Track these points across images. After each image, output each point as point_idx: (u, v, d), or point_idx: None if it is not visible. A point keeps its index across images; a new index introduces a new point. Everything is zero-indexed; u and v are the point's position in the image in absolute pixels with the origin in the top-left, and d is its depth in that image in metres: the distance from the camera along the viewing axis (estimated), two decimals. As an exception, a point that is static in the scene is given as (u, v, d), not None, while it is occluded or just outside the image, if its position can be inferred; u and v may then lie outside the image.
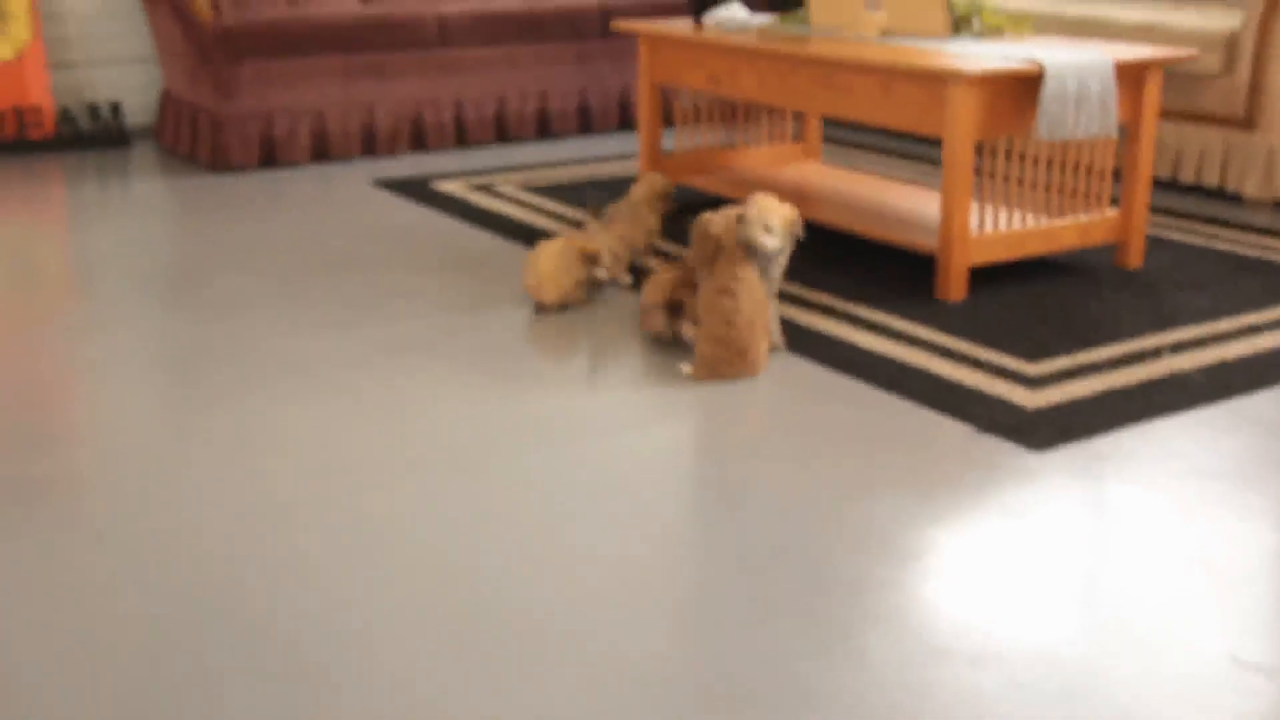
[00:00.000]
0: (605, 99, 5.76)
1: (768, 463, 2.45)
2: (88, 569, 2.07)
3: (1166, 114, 4.58)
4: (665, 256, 3.79)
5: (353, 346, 3.09)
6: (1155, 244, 3.90)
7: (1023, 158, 3.84)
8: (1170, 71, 4.52)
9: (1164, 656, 1.82)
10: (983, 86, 3.24)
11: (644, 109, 4.42)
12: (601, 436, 2.57)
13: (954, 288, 3.36)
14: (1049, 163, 3.71)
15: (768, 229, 2.89)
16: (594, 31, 5.64)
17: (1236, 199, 4.52)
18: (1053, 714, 1.70)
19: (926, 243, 3.47)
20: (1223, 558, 2.10)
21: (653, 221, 3.64)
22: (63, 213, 4.40)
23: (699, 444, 2.54)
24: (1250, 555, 2.11)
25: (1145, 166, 3.59)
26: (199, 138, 5.10)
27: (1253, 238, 3.99)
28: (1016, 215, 3.64)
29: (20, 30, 5.24)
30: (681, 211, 4.30)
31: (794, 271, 3.63)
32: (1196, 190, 4.66)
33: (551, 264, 3.30)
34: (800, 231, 2.96)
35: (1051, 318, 3.23)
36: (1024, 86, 3.31)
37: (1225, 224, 4.15)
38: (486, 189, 4.68)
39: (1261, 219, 4.23)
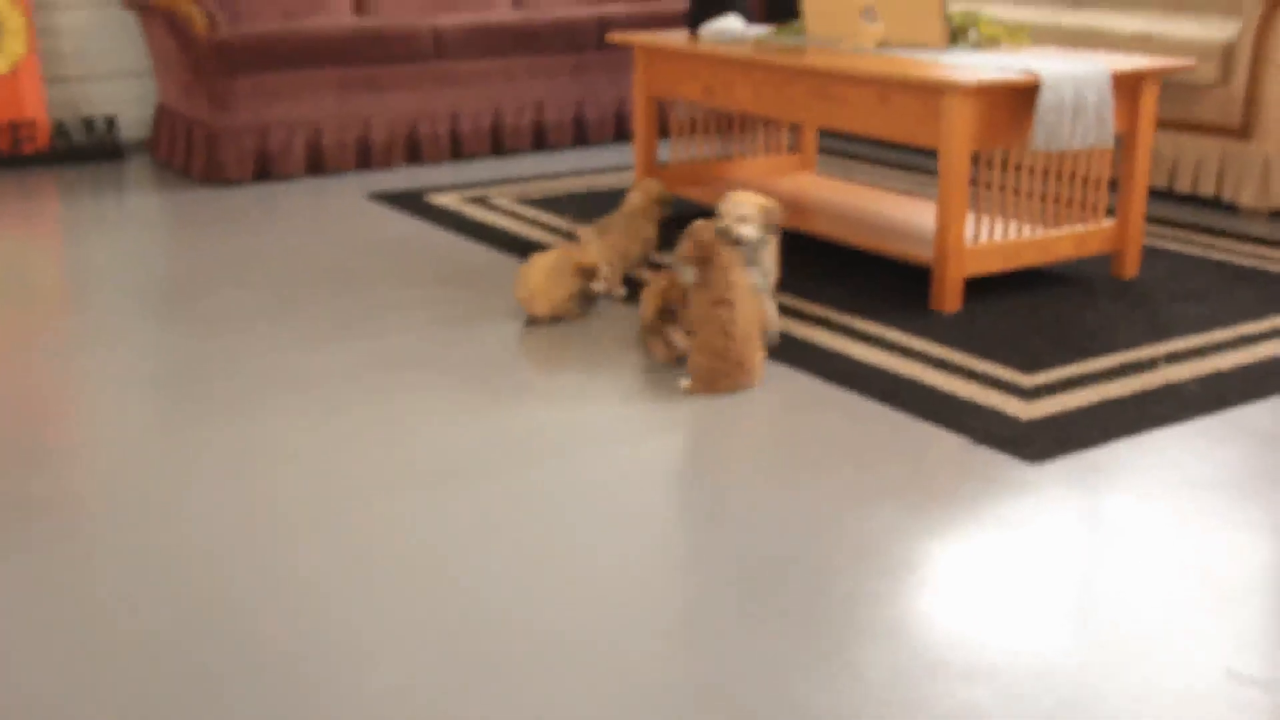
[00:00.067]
0: (601, 111, 5.76)
1: (762, 475, 2.44)
2: (85, 585, 2.05)
3: (1163, 124, 4.57)
4: (658, 268, 3.78)
5: (348, 360, 3.08)
6: (1151, 254, 3.90)
7: (1018, 168, 3.84)
8: (1166, 81, 4.52)
9: (1160, 670, 1.81)
10: (979, 97, 3.23)
11: (640, 121, 4.41)
12: (596, 450, 2.56)
13: (949, 299, 3.35)
14: (1045, 173, 3.71)
15: (743, 219, 2.89)
16: (590, 43, 5.64)
17: (1232, 209, 4.51)
18: (1048, 729, 1.68)
19: (922, 254, 3.46)
20: (1219, 570, 2.08)
21: (649, 231, 3.62)
22: (57, 227, 4.39)
23: (694, 457, 2.53)
24: (1246, 567, 2.09)
25: (1141, 177, 3.59)
26: (194, 151, 5.10)
27: (1248, 247, 3.98)
28: (1012, 226, 3.63)
29: (15, 44, 5.24)
30: (677, 222, 4.29)
31: (789, 283, 3.62)
32: (1192, 200, 4.65)
33: (543, 277, 3.29)
34: (779, 218, 2.95)
35: (1047, 328, 3.22)
36: (1020, 97, 3.31)
37: (1221, 234, 4.15)
38: (481, 201, 4.67)
39: (1257, 228, 4.22)
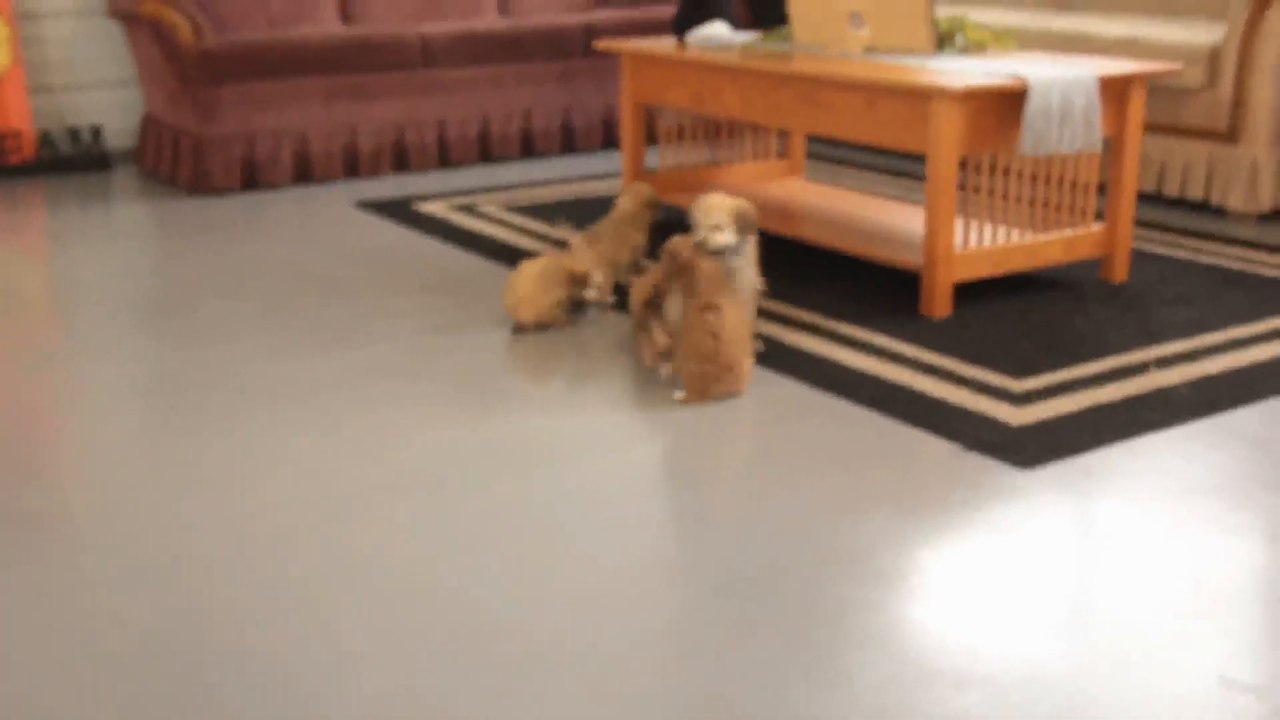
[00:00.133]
0: (589, 118, 5.75)
1: (752, 482, 2.43)
2: (77, 596, 2.04)
3: (1151, 128, 4.57)
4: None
5: (336, 370, 3.06)
6: (1140, 258, 3.89)
7: (1007, 173, 3.84)
8: (1154, 85, 4.52)
9: (1153, 676, 1.80)
10: (966, 102, 3.23)
11: (627, 128, 4.40)
12: (585, 458, 2.54)
13: (939, 304, 3.34)
14: (1033, 178, 3.71)
15: (716, 227, 2.88)
16: (577, 51, 5.64)
17: (1221, 212, 4.51)
18: (1041, 737, 1.67)
19: (911, 259, 3.45)
20: (1211, 575, 2.08)
21: (638, 238, 3.61)
22: (44, 238, 4.36)
23: (683, 464, 2.51)
24: (1238, 573, 2.08)
25: (1130, 181, 3.58)
26: (180, 160, 5.08)
27: (1237, 251, 3.98)
28: (1001, 231, 3.63)
29: (0, 54, 5.22)
30: (667, 227, 4.28)
31: (778, 289, 3.61)
32: (1181, 203, 4.65)
33: (530, 284, 3.28)
34: (753, 220, 2.94)
35: (1037, 333, 3.21)
36: (1008, 102, 3.30)
37: (1210, 237, 4.15)
38: (469, 209, 4.65)
39: (1246, 232, 4.23)
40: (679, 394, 2.83)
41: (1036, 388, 2.86)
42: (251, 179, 5.07)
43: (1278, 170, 4.31)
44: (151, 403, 2.87)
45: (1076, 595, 2.02)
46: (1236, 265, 3.82)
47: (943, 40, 3.77)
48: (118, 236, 4.36)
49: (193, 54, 4.88)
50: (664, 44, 4.28)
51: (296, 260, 4.03)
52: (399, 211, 4.64)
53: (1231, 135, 4.34)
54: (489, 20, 5.59)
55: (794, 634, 1.91)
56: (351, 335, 3.31)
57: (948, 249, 3.32)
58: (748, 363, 2.86)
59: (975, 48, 3.78)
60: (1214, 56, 4.33)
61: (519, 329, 3.31)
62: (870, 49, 3.83)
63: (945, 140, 3.22)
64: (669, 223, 4.40)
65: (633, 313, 3.08)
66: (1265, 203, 4.32)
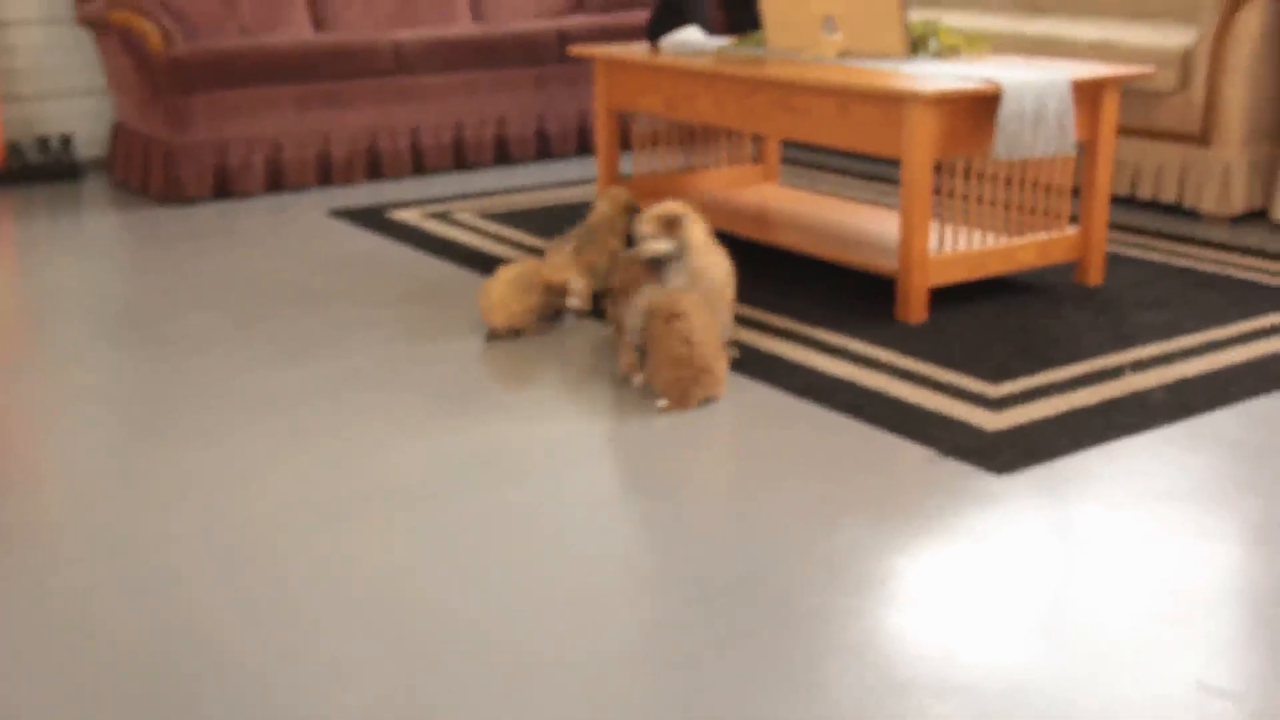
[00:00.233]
0: (563, 124, 5.73)
1: (728, 491, 2.41)
2: (51, 612, 2.00)
3: (1124, 131, 4.59)
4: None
5: (310, 380, 3.03)
6: (1115, 261, 3.90)
7: (981, 177, 3.84)
8: (1127, 89, 4.53)
9: (1130, 683, 1.79)
10: (940, 107, 3.22)
11: (601, 134, 4.39)
12: (561, 468, 2.52)
13: (914, 309, 3.34)
14: (1008, 181, 3.71)
15: (648, 236, 2.89)
16: (551, 57, 5.62)
17: (1194, 214, 4.52)
18: (1019, 746, 1.66)
19: (886, 264, 3.45)
20: (1188, 580, 2.07)
21: (616, 243, 3.59)
22: (13, 249, 4.32)
23: (658, 473, 2.50)
24: (1215, 578, 2.08)
25: (1103, 184, 3.59)
26: (151, 170, 5.03)
27: (1210, 253, 3.99)
28: (976, 235, 3.63)
29: (-32, 63, 5.17)
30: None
31: (752, 295, 3.60)
32: (1154, 206, 4.67)
33: (503, 289, 3.26)
34: (685, 220, 2.92)
35: (1012, 338, 3.21)
36: (981, 106, 3.30)
37: (1183, 240, 4.16)
38: (443, 217, 4.63)
39: (1219, 234, 4.24)
40: (661, 403, 2.81)
41: (1012, 392, 2.85)
42: (224, 188, 5.04)
43: (1249, 172, 4.33)
44: (123, 415, 2.84)
45: (1054, 601, 2.01)
46: (1210, 268, 3.82)
47: (916, 44, 3.77)
48: (88, 247, 4.32)
49: (163, 62, 4.84)
50: (638, 50, 4.27)
51: (270, 270, 4.00)
52: (373, 219, 4.61)
53: (1204, 138, 4.35)
54: (462, 26, 5.57)
55: (771, 643, 1.90)
56: (325, 345, 3.28)
57: (922, 254, 3.31)
58: (722, 364, 2.85)
59: (948, 52, 3.79)
60: (1186, 59, 4.34)
61: (491, 335, 3.29)
62: (844, 54, 3.82)
63: (919, 144, 3.21)
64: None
65: (612, 319, 3.07)
66: (1237, 205, 4.33)
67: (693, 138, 4.53)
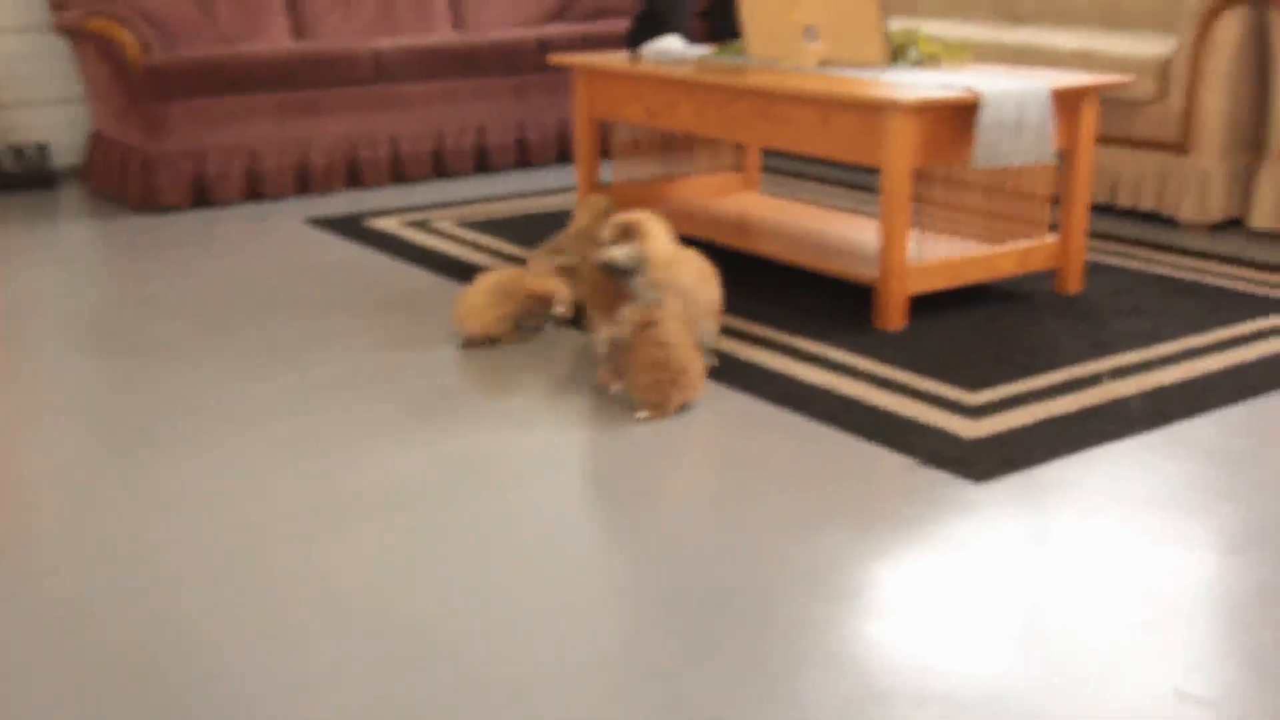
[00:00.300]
0: (543, 132, 5.72)
1: (705, 500, 2.40)
2: (19, 628, 1.98)
3: (1103, 139, 4.60)
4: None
5: (286, 391, 3.01)
6: (1094, 269, 3.91)
7: (961, 185, 3.84)
8: (1106, 98, 4.54)
9: (1109, 691, 1.78)
10: (920, 115, 3.23)
11: (581, 142, 4.38)
12: (538, 477, 2.51)
13: (893, 317, 3.33)
14: (987, 190, 3.71)
15: (606, 243, 2.90)
16: (530, 65, 5.61)
17: (1172, 223, 4.54)
18: (997, 756, 1.65)
19: (866, 272, 3.44)
20: (1166, 588, 2.07)
21: (594, 253, 3.58)
22: (-14, 256, 4.29)
23: (637, 482, 2.48)
24: (1193, 586, 2.08)
25: (1083, 192, 3.59)
26: (129, 178, 5.01)
27: (1189, 261, 4.00)
28: (956, 243, 3.63)
29: (-57, 71, 5.13)
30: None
31: (732, 303, 3.59)
32: (1133, 214, 4.68)
33: (480, 297, 3.25)
34: (643, 229, 2.92)
35: (991, 346, 3.21)
36: (961, 115, 3.30)
37: (1162, 248, 4.17)
38: (422, 225, 4.61)
39: (1197, 242, 4.25)
40: (641, 414, 2.80)
41: (991, 400, 2.85)
42: (201, 196, 5.01)
43: (1227, 181, 4.34)
44: (99, 425, 2.81)
45: (1032, 610, 2.00)
46: (1188, 275, 3.83)
47: (896, 53, 3.77)
48: (64, 256, 4.29)
49: (141, 70, 4.82)
50: (618, 58, 4.26)
51: (248, 279, 3.98)
52: (351, 228, 4.60)
53: (1182, 146, 4.37)
54: (442, 35, 5.56)
55: (749, 653, 1.89)
56: (304, 355, 3.26)
57: (902, 262, 3.31)
58: (698, 366, 2.84)
59: (929, 61, 3.79)
60: (1164, 69, 4.35)
61: (466, 342, 3.28)
62: (824, 62, 3.82)
63: (899, 153, 3.21)
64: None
65: (590, 328, 3.06)
66: (1215, 213, 4.34)
67: (673, 146, 4.52)
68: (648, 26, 4.38)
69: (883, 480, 2.48)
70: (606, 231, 2.94)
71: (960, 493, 2.41)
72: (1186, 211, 4.38)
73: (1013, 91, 3.29)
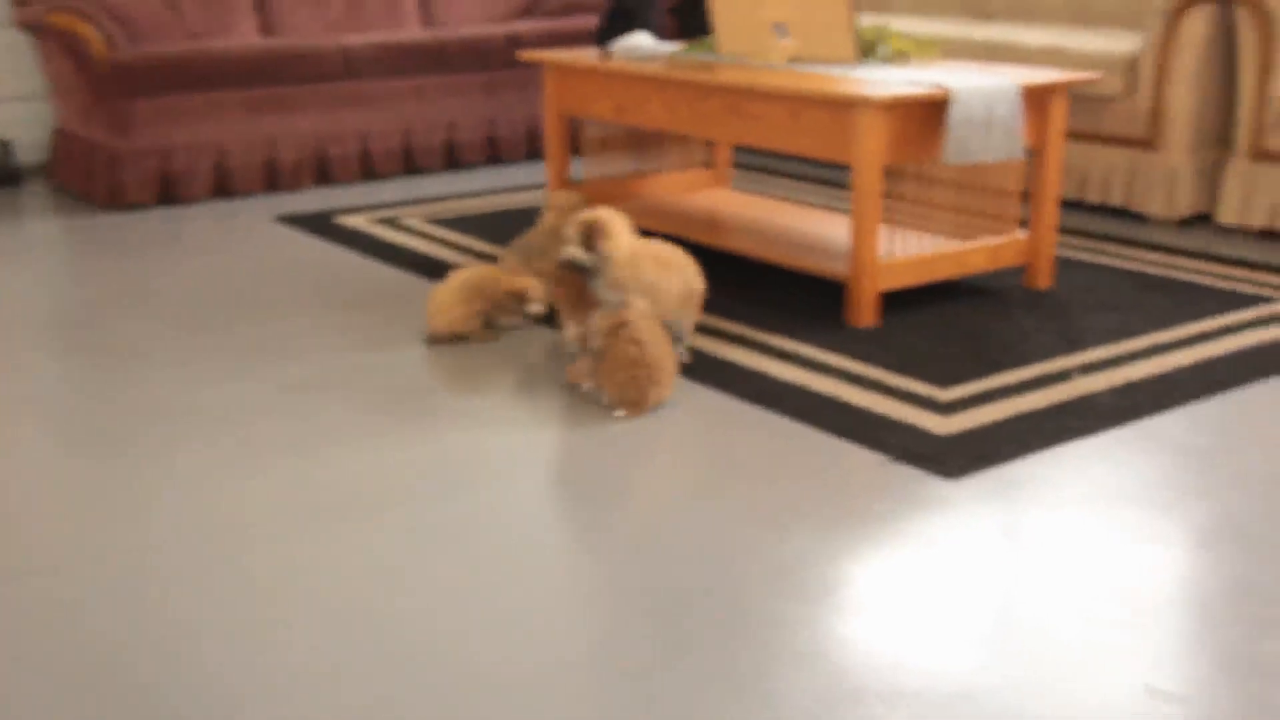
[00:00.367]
0: (513, 129, 5.70)
1: (677, 499, 2.39)
2: (-41, 634, 1.95)
3: (1072, 135, 4.61)
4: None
5: (252, 391, 2.98)
6: (1064, 265, 3.92)
7: (931, 181, 3.85)
8: (1074, 94, 4.56)
9: (1080, 687, 1.79)
10: (890, 112, 3.23)
11: (551, 139, 4.36)
12: (508, 477, 2.50)
13: (865, 314, 3.33)
14: (958, 186, 3.72)
15: (568, 242, 2.91)
16: (500, 62, 5.59)
17: (1140, 218, 4.56)
18: (970, 754, 1.65)
19: (837, 269, 3.44)
20: (1137, 584, 2.07)
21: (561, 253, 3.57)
22: (-51, 255, 4.24)
23: (606, 481, 2.47)
24: (1163, 581, 2.08)
25: (1052, 188, 3.60)
26: (94, 175, 4.96)
27: (1158, 256, 4.02)
28: (926, 239, 3.63)
29: (-95, 67, 5.07)
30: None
31: (704, 301, 3.59)
32: (1102, 210, 4.70)
33: (450, 293, 3.24)
34: (605, 229, 2.91)
35: (962, 342, 3.21)
36: (931, 111, 3.31)
37: (1131, 243, 4.19)
38: (392, 223, 4.59)
39: (1165, 238, 4.27)
40: (619, 413, 2.78)
41: (962, 396, 2.85)
42: (168, 194, 4.97)
43: (1194, 176, 4.37)
44: (60, 425, 2.78)
45: (1004, 607, 2.01)
46: (1157, 271, 3.85)
47: (866, 50, 3.77)
48: (28, 253, 4.24)
49: (106, 66, 4.77)
50: (588, 55, 4.25)
51: (215, 277, 3.95)
52: (320, 225, 4.56)
53: (1150, 142, 4.39)
54: (411, 31, 5.53)
55: (721, 652, 1.88)
56: (273, 353, 3.23)
57: (873, 259, 3.31)
58: (672, 363, 2.83)
59: (899, 57, 3.79)
60: (1132, 65, 4.37)
61: (433, 339, 3.26)
62: (794, 59, 3.82)
63: (869, 150, 3.21)
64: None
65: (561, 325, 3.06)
66: (1183, 208, 4.37)
67: (643, 143, 4.51)
68: (618, 23, 4.37)
69: (855, 477, 2.48)
70: (570, 229, 2.94)
71: (933, 489, 2.42)
72: (1155, 207, 4.40)
73: (982, 88, 3.29)
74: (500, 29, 5.62)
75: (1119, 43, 4.49)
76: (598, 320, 2.83)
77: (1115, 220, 4.55)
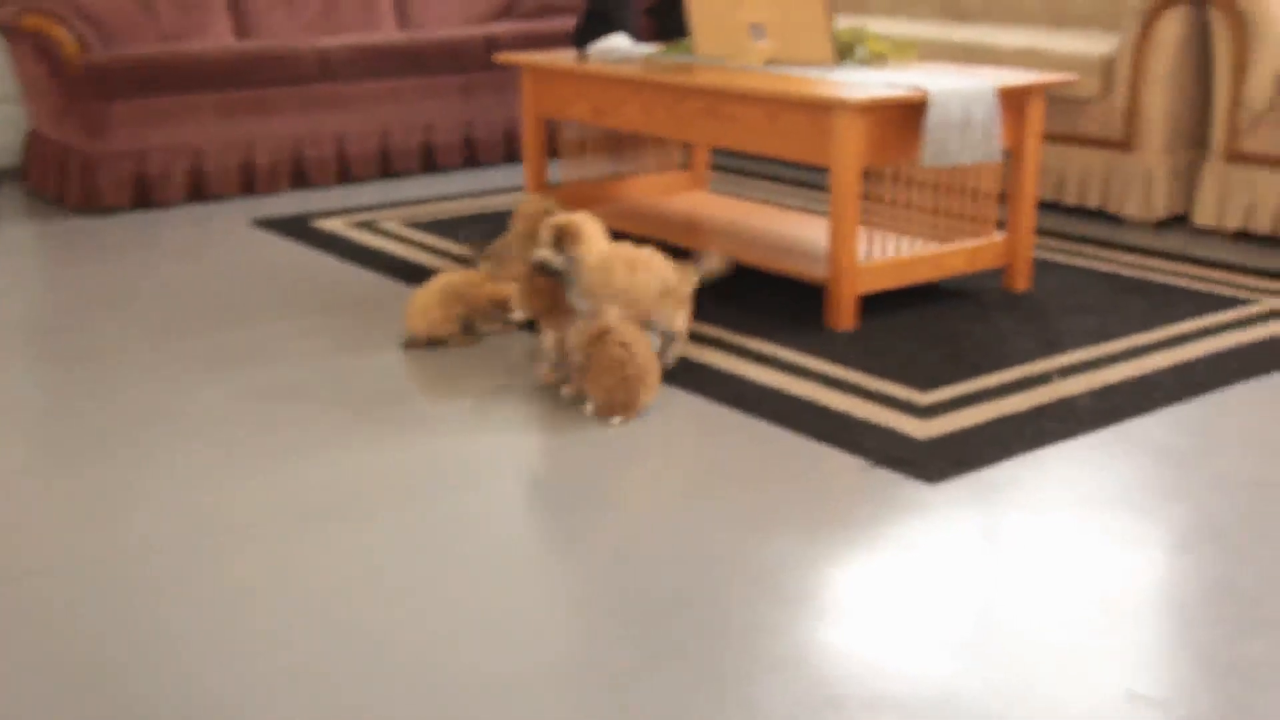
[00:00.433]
0: (491, 131, 5.68)
1: (656, 505, 2.38)
2: (-70, 647, 1.93)
3: (1048, 137, 4.63)
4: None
5: (227, 396, 2.96)
6: (1041, 266, 3.93)
7: (910, 183, 3.85)
8: (1051, 95, 4.57)
9: (1061, 692, 1.78)
10: (868, 114, 3.22)
11: (529, 141, 4.35)
12: (486, 483, 2.48)
13: (844, 317, 3.33)
14: (935, 188, 3.72)
15: (541, 243, 2.92)
16: (477, 64, 5.57)
17: (1117, 219, 4.57)
18: (952, 761, 1.65)
19: (816, 272, 3.44)
20: (1116, 589, 2.07)
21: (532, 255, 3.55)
22: (-79, 260, 4.20)
23: (586, 487, 2.46)
24: (1142, 585, 2.08)
25: (1030, 190, 3.61)
26: (68, 179, 4.91)
27: (1134, 258, 4.03)
28: (905, 242, 3.63)
29: (-125, 70, 5.01)
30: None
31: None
32: (1079, 211, 4.71)
33: (429, 297, 3.23)
34: (576, 232, 2.91)
35: (942, 344, 3.21)
36: (909, 113, 3.30)
37: (1108, 245, 4.20)
38: (369, 226, 4.56)
39: (1142, 239, 4.28)
40: (616, 420, 2.77)
41: (942, 400, 2.85)
42: (143, 197, 4.93)
43: (1170, 178, 4.38)
44: (32, 431, 2.75)
45: (985, 612, 2.00)
46: (1134, 272, 3.86)
47: (844, 52, 3.77)
48: (2, 258, 4.20)
49: (79, 69, 4.73)
50: (565, 57, 4.24)
51: (190, 281, 3.92)
52: (297, 229, 4.54)
53: (1126, 144, 4.40)
54: (387, 33, 5.51)
55: (700, 660, 1.87)
56: (248, 358, 3.21)
57: (852, 261, 3.31)
58: (655, 365, 2.82)
59: (876, 59, 3.79)
60: (1108, 67, 4.38)
61: (410, 342, 3.25)
62: (771, 61, 3.81)
63: (847, 152, 3.21)
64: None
65: (539, 346, 3.05)
66: (1159, 210, 4.38)
67: (621, 145, 4.50)
68: (594, 25, 4.35)
69: (835, 481, 2.47)
70: (543, 231, 2.93)
71: (913, 493, 2.41)
72: (1131, 209, 4.41)
73: (960, 90, 3.29)
74: (477, 31, 5.60)
75: (1095, 44, 4.50)
76: (576, 335, 2.81)
77: (1092, 222, 4.56)
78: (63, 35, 4.75)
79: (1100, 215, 4.65)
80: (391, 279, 3.89)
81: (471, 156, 5.67)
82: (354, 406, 2.88)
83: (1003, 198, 4.76)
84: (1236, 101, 4.15)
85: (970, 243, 3.57)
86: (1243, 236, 4.31)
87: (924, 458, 2.55)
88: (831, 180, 3.26)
